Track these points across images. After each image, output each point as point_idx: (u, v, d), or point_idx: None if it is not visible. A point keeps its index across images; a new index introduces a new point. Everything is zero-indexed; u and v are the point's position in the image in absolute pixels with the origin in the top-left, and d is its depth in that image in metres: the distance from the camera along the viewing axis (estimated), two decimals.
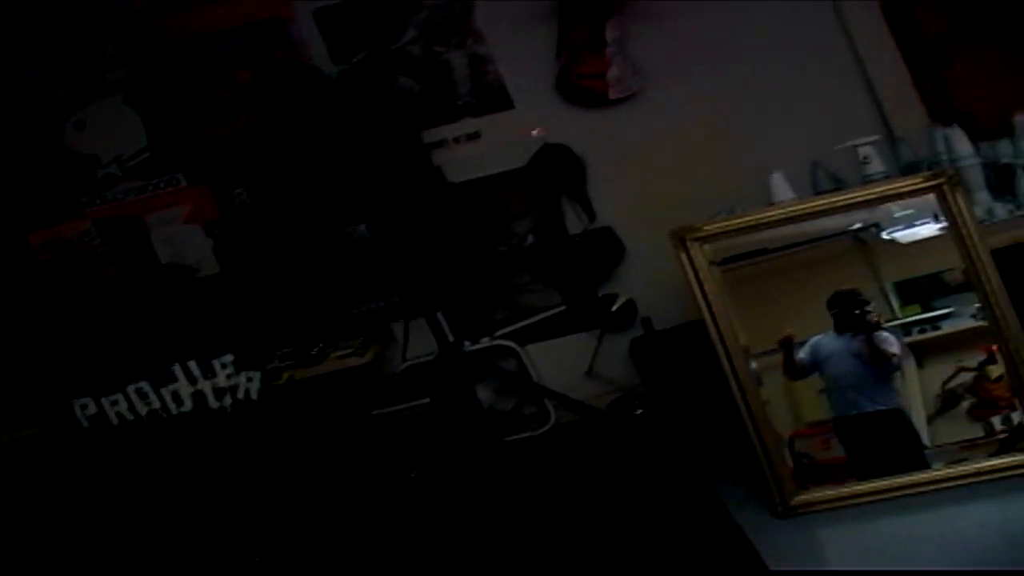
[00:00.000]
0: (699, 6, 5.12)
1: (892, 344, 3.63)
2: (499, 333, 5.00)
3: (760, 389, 3.65)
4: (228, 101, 4.94)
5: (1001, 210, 4.05)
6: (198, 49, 5.02)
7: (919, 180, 3.61)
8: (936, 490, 3.48)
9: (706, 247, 3.71)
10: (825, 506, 3.59)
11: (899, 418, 3.64)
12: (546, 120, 5.10)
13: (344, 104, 4.83)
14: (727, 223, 3.75)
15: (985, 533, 3.19)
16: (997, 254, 3.55)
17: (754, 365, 3.68)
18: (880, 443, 3.62)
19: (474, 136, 5.12)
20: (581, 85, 5.05)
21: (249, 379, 3.92)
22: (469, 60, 5.14)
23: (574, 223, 5.11)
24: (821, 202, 3.74)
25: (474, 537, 4.04)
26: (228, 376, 3.89)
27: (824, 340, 3.70)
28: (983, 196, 4.15)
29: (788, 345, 3.69)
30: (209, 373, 3.85)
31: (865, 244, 3.74)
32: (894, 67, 5.13)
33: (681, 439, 4.27)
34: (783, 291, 3.82)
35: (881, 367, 3.63)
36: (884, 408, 3.64)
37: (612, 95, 5.06)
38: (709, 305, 3.67)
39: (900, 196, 3.64)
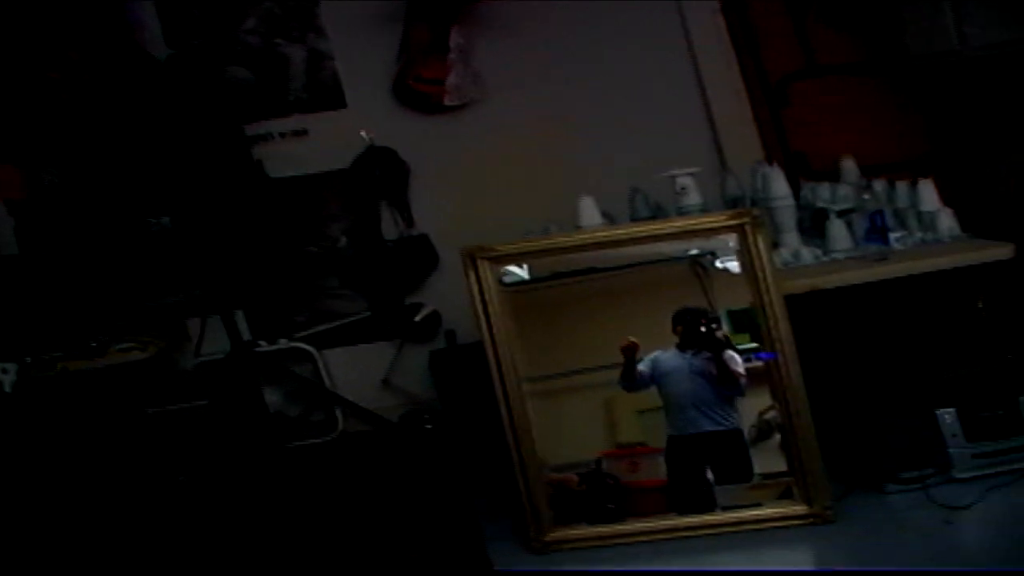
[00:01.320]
0: (547, 20, 5.06)
1: (739, 364, 3.57)
2: (297, 336, 4.92)
3: (530, 420, 3.59)
4: (51, 80, 4.76)
5: (808, 254, 3.99)
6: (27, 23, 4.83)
7: (724, 217, 3.57)
8: (693, 536, 3.46)
9: (497, 267, 3.64)
10: (582, 543, 3.54)
11: (738, 439, 3.58)
12: (377, 122, 5.00)
13: (167, 90, 4.71)
14: (519, 246, 3.69)
15: None
16: (793, 300, 3.53)
17: (528, 388, 3.62)
18: (714, 464, 3.57)
19: (301, 132, 5.02)
20: (418, 89, 4.96)
21: (4, 371, 3.78)
22: (308, 55, 5.04)
23: (391, 229, 5.03)
24: (620, 231, 3.72)
25: (239, 542, 3.97)
26: None
27: (664, 356, 3.61)
28: (792, 238, 4.08)
29: (631, 352, 3.59)
30: None
31: (704, 269, 3.68)
32: (737, 101, 5.11)
33: (462, 460, 4.21)
34: (614, 309, 3.75)
35: (728, 387, 3.57)
36: (725, 428, 3.58)
37: (447, 101, 4.97)
38: (490, 327, 3.60)
39: (704, 232, 3.59)
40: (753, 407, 3.61)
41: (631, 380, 3.62)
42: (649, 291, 3.73)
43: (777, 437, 3.57)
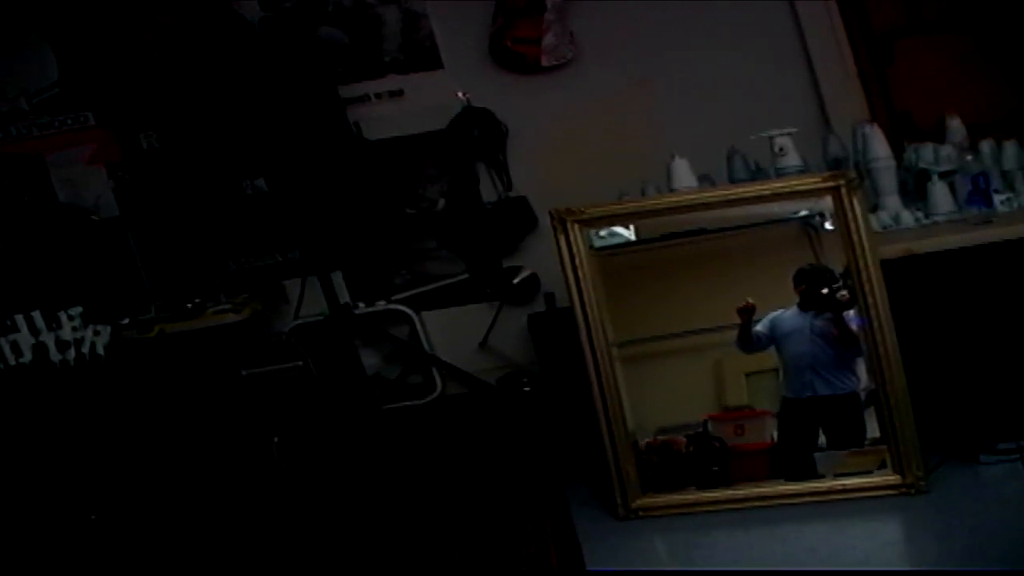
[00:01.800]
0: None
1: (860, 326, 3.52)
2: (396, 298, 4.94)
3: (619, 386, 3.58)
4: (146, 42, 4.82)
5: (908, 217, 3.89)
6: None
7: (818, 180, 3.50)
8: (781, 505, 3.43)
9: (588, 229, 3.62)
10: (668, 511, 3.53)
11: (854, 403, 3.55)
12: (474, 83, 4.99)
13: (262, 52, 4.74)
14: (610, 208, 3.66)
15: (815, 557, 3.11)
16: (891, 264, 3.45)
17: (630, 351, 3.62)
18: (828, 428, 3.54)
19: (397, 94, 5.02)
20: (515, 50, 4.93)
21: (96, 332, 3.83)
22: (403, 15, 5.03)
23: (489, 191, 5.02)
24: (711, 194, 3.67)
25: (336, 502, 4.02)
26: (74, 329, 3.81)
27: (785, 316, 3.60)
28: (893, 201, 3.96)
29: (749, 313, 3.58)
30: (54, 324, 3.78)
31: (815, 231, 3.65)
32: (841, 60, 5.00)
33: (559, 423, 4.20)
34: (720, 271, 3.73)
35: (847, 349, 3.54)
36: (840, 392, 3.55)
37: (545, 62, 4.94)
38: (580, 291, 3.59)
39: (798, 195, 3.53)
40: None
41: (748, 342, 3.61)
42: (757, 252, 3.70)
43: None
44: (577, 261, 3.61)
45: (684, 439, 3.65)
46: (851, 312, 3.51)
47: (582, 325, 3.59)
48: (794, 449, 3.55)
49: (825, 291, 3.53)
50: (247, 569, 3.65)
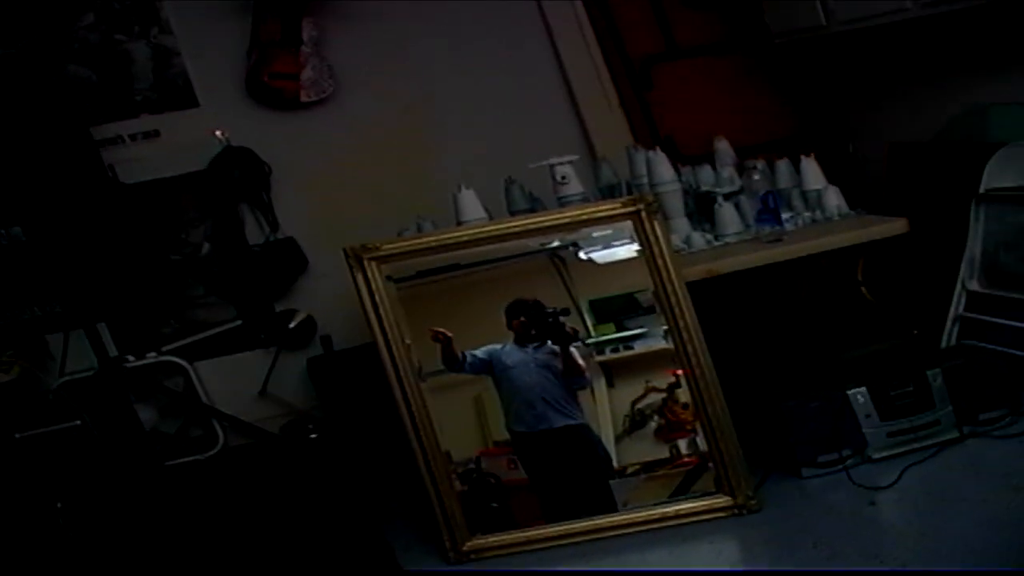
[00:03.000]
0: (403, 11, 4.95)
1: (580, 357, 3.50)
2: (166, 348, 4.70)
3: (434, 423, 3.47)
4: None
5: (699, 239, 3.95)
6: None
7: (618, 205, 3.48)
8: (616, 536, 3.38)
9: (384, 266, 3.49)
10: (500, 552, 3.44)
11: (588, 434, 3.51)
12: (233, 121, 4.81)
13: (5, 91, 4.42)
14: (407, 243, 3.55)
15: None
16: (692, 285, 3.45)
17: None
18: (568, 461, 3.50)
19: (152, 134, 4.78)
20: (273, 85, 4.78)
21: None
22: (153, 52, 4.80)
23: (255, 232, 4.84)
24: (512, 224, 3.57)
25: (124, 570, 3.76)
26: None
27: (505, 350, 3.53)
28: (682, 223, 4.03)
29: (439, 340, 3.49)
30: None
31: (562, 261, 3.61)
32: (602, 87, 5.07)
33: (353, 469, 4.06)
34: (473, 307, 3.67)
35: (574, 380, 3.51)
36: (573, 423, 3.50)
37: (304, 98, 4.81)
38: (384, 329, 3.46)
39: (598, 221, 3.50)
40: (625, 397, 3.57)
41: (454, 362, 3.53)
42: (510, 284, 3.61)
43: (652, 426, 3.55)
44: (377, 298, 3.47)
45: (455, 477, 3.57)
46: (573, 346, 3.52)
47: (388, 363, 3.45)
48: (553, 482, 3.52)
49: (551, 320, 3.50)
50: None
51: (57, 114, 4.53)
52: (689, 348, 3.39)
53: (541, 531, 3.44)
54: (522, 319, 3.53)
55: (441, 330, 3.49)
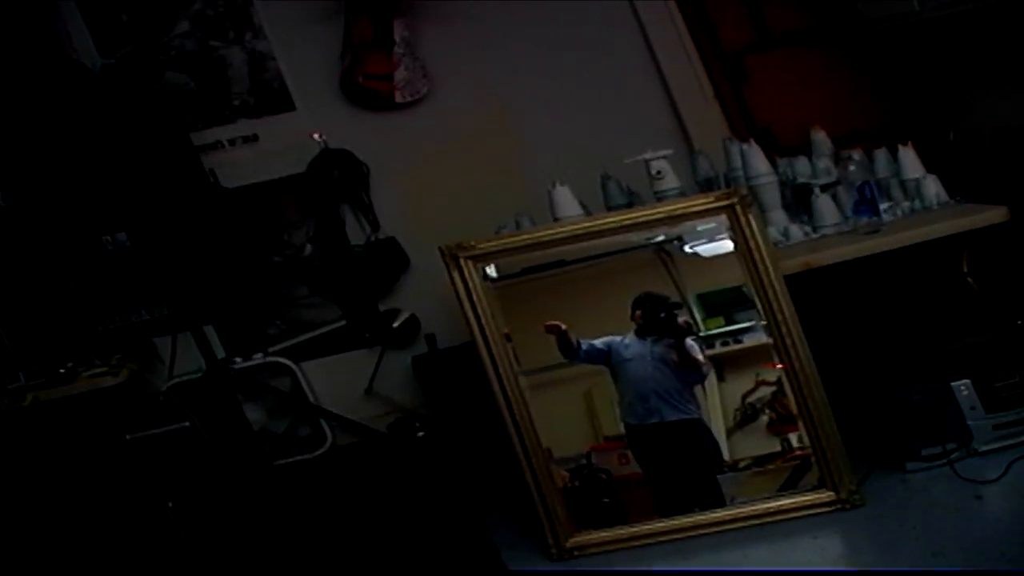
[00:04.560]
0: (493, 10, 4.92)
1: (699, 351, 3.53)
2: (273, 349, 4.78)
3: (532, 418, 3.52)
4: None
5: (797, 232, 3.92)
6: None
7: (711, 199, 3.50)
8: (719, 532, 3.40)
9: (481, 264, 3.55)
10: (603, 548, 3.47)
11: (700, 429, 3.54)
12: (329, 123, 4.85)
13: (106, 101, 4.51)
14: (502, 241, 3.60)
15: None
16: (789, 279, 3.46)
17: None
18: (678, 455, 3.52)
19: (251, 139, 4.85)
20: (367, 87, 4.81)
21: None
22: (248, 57, 4.86)
23: (356, 233, 4.89)
24: (607, 220, 3.61)
25: (235, 568, 3.84)
26: None
27: (625, 342, 3.56)
28: (779, 216, 4.01)
29: (554, 332, 3.53)
30: None
31: (669, 255, 3.63)
32: (697, 80, 5.02)
33: (459, 467, 4.11)
34: (580, 302, 3.69)
35: (689, 375, 3.53)
36: (686, 417, 3.53)
37: (399, 98, 4.83)
38: (481, 327, 3.52)
39: (691, 216, 3.52)
40: (735, 391, 3.59)
41: (569, 351, 3.56)
42: (616, 279, 3.67)
43: (763, 420, 3.57)
44: (475, 297, 3.53)
45: (566, 473, 3.59)
46: (690, 339, 3.52)
47: (487, 360, 3.52)
48: (663, 476, 3.55)
49: (663, 315, 3.51)
50: None
51: (157, 121, 4.63)
52: (788, 342, 3.40)
53: (645, 527, 3.48)
54: (638, 312, 3.56)
55: (555, 322, 3.53)
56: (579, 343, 3.55)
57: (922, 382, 3.47)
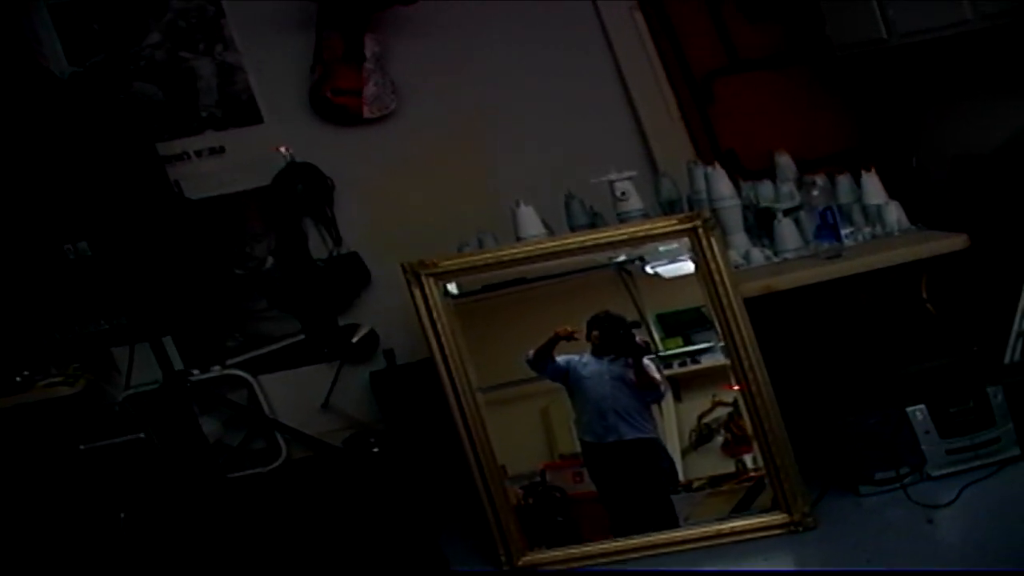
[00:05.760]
0: (463, 26, 4.94)
1: (656, 371, 3.53)
2: (231, 362, 4.75)
3: (489, 435, 3.52)
4: None
5: (758, 255, 3.93)
6: None
7: (674, 222, 3.51)
8: (672, 552, 3.40)
9: (442, 282, 3.55)
10: (555, 566, 3.48)
11: (657, 448, 3.54)
12: (296, 137, 4.84)
13: (72, 109, 4.48)
14: (464, 260, 3.62)
15: None
16: (747, 302, 3.47)
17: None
18: (634, 474, 3.52)
19: (217, 151, 4.84)
20: (336, 102, 4.80)
21: None
22: (217, 68, 4.86)
23: (318, 247, 4.88)
24: (569, 241, 3.62)
25: None
26: None
27: (583, 360, 3.56)
28: (741, 239, 4.02)
29: (566, 338, 3.54)
30: None
31: (630, 275, 3.64)
32: (663, 102, 5.04)
33: (415, 482, 4.09)
34: (541, 319, 3.65)
35: (647, 394, 3.53)
36: (644, 436, 3.53)
37: (367, 113, 4.83)
38: (441, 344, 3.51)
39: (654, 238, 3.53)
40: (692, 411, 3.60)
41: (544, 359, 3.56)
42: (577, 298, 3.66)
43: (719, 440, 3.57)
44: (435, 314, 3.52)
45: (520, 491, 3.59)
46: (647, 358, 3.52)
47: (445, 377, 3.52)
48: (618, 495, 3.55)
49: (621, 332, 3.52)
50: None
51: (124, 130, 4.61)
52: (746, 364, 3.42)
53: (598, 546, 3.47)
54: (595, 332, 3.56)
55: (569, 329, 3.54)
56: (555, 363, 3.57)
57: (878, 406, 3.48)
